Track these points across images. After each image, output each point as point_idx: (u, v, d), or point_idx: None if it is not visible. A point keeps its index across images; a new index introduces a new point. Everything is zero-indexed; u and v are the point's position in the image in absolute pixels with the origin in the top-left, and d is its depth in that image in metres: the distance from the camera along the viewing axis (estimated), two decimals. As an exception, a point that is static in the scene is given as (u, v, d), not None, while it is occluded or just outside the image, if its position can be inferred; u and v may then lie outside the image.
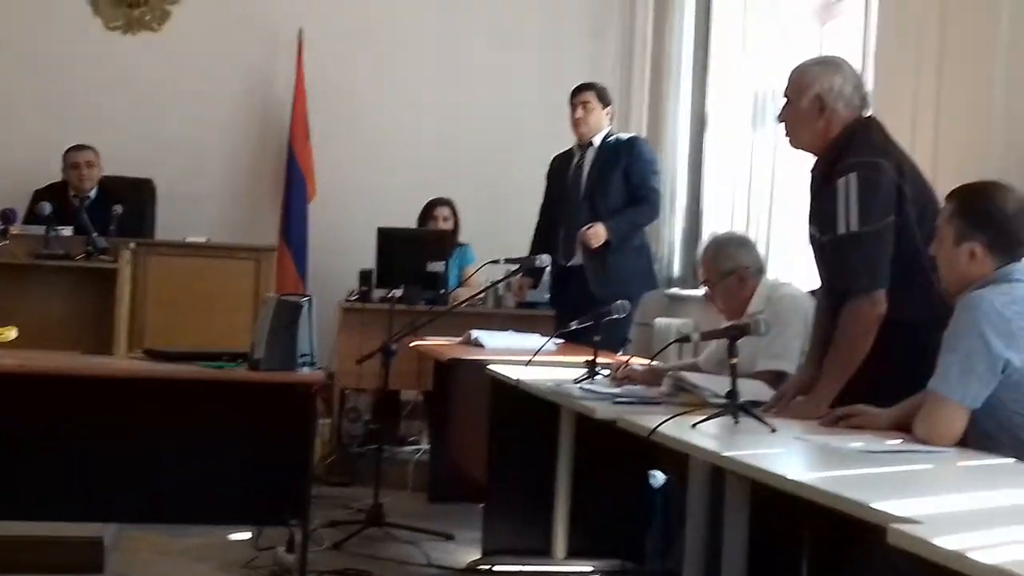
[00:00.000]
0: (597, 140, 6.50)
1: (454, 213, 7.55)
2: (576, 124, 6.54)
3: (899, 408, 3.29)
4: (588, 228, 6.28)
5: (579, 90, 6.59)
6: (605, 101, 6.55)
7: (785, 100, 3.82)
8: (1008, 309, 3.03)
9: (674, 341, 4.66)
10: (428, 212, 7.55)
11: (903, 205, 3.62)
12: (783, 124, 3.86)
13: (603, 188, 6.42)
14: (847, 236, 3.59)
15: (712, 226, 7.14)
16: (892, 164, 3.65)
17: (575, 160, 6.57)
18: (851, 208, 3.57)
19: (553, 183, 6.74)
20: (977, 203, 3.23)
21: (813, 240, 3.85)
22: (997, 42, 4.42)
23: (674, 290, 7.36)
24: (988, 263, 3.17)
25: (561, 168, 6.66)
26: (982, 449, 3.00)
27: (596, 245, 6.26)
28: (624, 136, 6.63)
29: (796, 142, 3.87)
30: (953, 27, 4.73)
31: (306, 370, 4.65)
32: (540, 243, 6.60)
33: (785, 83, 3.86)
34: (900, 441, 3.08)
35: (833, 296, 3.79)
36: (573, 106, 6.55)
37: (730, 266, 4.45)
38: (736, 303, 4.41)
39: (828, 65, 3.85)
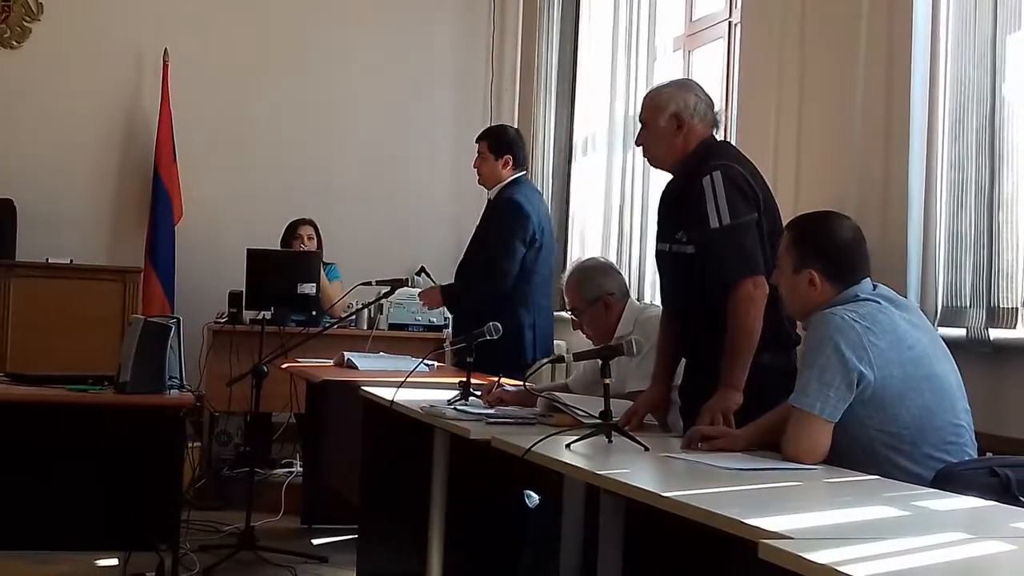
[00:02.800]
0: (492, 193, 5.92)
1: (317, 232, 7.53)
2: (476, 169, 6.01)
3: (755, 426, 3.38)
4: (422, 293, 5.98)
5: (479, 136, 6.07)
6: (499, 151, 5.87)
7: (642, 124, 3.94)
8: (858, 324, 3.15)
9: (547, 362, 4.72)
10: (291, 232, 7.52)
11: (760, 213, 3.74)
12: (641, 147, 3.99)
13: (472, 247, 5.96)
14: (720, 229, 3.69)
15: (581, 248, 7.23)
16: (748, 173, 3.79)
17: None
18: (720, 203, 3.68)
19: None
20: (812, 233, 3.38)
21: (664, 255, 3.95)
22: (855, 70, 4.57)
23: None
24: (827, 289, 3.30)
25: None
26: (841, 465, 3.09)
27: (428, 310, 5.80)
28: (505, 195, 5.86)
29: (656, 162, 4.02)
30: (813, 56, 4.88)
31: (174, 393, 4.61)
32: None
33: (640, 109, 3.99)
34: (763, 459, 3.15)
35: (681, 309, 3.92)
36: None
37: (595, 294, 4.51)
38: (604, 328, 4.47)
39: (680, 85, 4.02)
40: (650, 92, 4.05)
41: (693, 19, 6.38)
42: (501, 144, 5.92)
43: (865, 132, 4.53)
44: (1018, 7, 3.98)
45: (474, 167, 5.96)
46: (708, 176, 3.71)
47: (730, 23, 5.90)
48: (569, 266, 4.90)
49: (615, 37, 6.82)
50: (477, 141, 5.99)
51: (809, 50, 4.90)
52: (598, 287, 4.51)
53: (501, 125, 6.44)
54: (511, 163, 5.88)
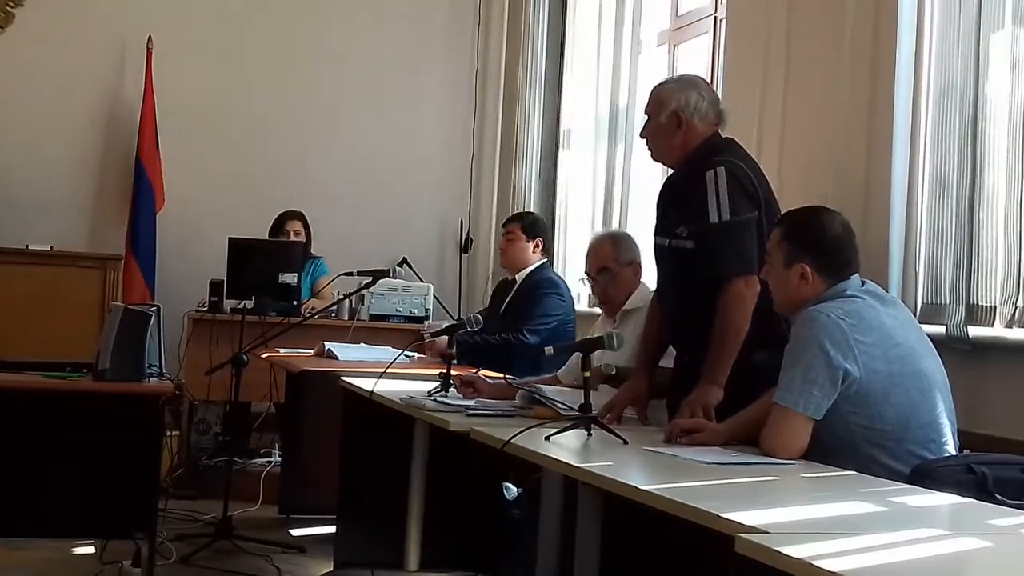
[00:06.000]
0: (521, 276, 5.97)
1: (305, 226, 7.51)
2: (501, 252, 6.21)
3: (734, 421, 3.38)
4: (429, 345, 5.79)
5: (509, 220, 6.23)
6: (532, 234, 5.98)
7: (647, 117, 3.94)
8: (844, 322, 3.14)
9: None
10: (279, 225, 7.49)
11: (760, 212, 3.73)
12: (645, 139, 3.97)
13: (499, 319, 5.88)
14: (719, 225, 3.68)
15: (568, 240, 7.22)
16: (753, 172, 3.78)
17: (504, 293, 6.07)
18: (721, 199, 3.68)
19: (491, 303, 6.30)
20: (804, 227, 3.37)
21: (662, 250, 3.94)
22: (840, 67, 4.58)
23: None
24: (818, 283, 3.30)
25: (498, 293, 6.21)
26: (822, 461, 3.09)
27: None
28: (538, 276, 5.96)
29: (658, 155, 4.01)
30: (798, 52, 4.89)
31: (153, 381, 4.59)
32: None
33: (646, 102, 3.97)
34: (741, 454, 3.16)
35: (676, 304, 3.90)
36: (503, 233, 6.17)
37: (629, 258, 4.57)
38: (624, 294, 4.52)
39: (684, 83, 3.98)
40: (655, 87, 4.02)
41: (679, 14, 6.39)
42: (536, 228, 6.05)
43: (848, 129, 4.54)
44: (1002, 5, 4.00)
45: (500, 248, 6.13)
46: (712, 171, 3.70)
47: (715, 18, 5.91)
48: (595, 234, 4.93)
49: (601, 31, 6.83)
50: (506, 224, 6.14)
51: (794, 46, 4.91)
52: (632, 252, 4.57)
53: (531, 212, 6.60)
54: (541, 247, 6.01)
